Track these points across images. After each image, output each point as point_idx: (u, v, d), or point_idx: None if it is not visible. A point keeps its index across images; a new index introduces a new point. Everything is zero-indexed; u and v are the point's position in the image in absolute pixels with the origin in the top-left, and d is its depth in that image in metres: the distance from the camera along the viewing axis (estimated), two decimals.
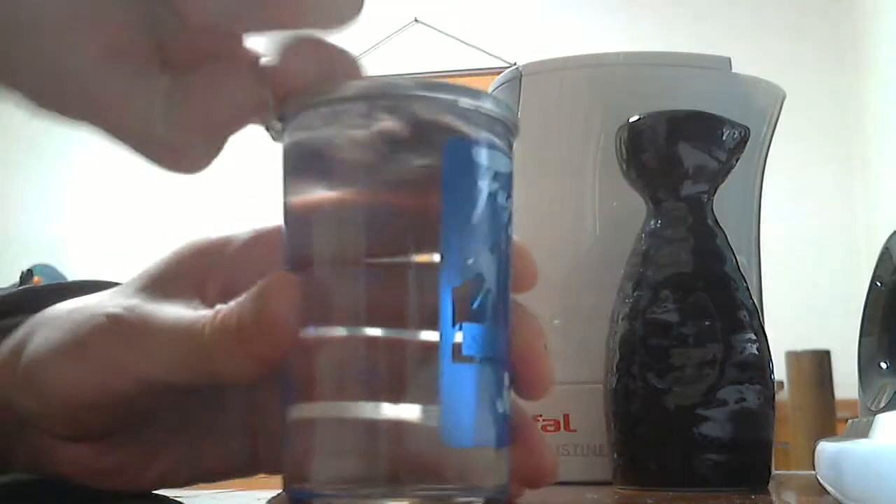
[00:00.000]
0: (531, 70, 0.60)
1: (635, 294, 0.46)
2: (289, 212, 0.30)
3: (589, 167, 0.57)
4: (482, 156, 0.28)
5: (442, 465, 0.27)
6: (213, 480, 0.36)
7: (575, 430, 0.54)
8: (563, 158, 0.59)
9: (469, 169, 0.28)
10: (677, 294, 0.45)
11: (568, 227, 0.58)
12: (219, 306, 0.29)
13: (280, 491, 0.40)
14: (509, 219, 0.30)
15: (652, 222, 0.48)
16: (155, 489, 0.35)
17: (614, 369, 0.46)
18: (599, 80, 0.60)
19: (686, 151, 0.47)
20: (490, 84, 0.63)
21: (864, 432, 0.34)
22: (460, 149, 0.28)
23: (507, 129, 0.30)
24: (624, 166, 0.49)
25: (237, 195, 3.25)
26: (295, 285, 0.28)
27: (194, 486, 0.37)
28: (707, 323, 0.45)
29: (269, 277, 0.28)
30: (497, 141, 0.29)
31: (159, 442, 0.34)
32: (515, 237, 0.30)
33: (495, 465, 0.29)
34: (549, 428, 0.54)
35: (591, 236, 0.58)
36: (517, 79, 0.60)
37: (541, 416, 0.54)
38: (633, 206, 0.49)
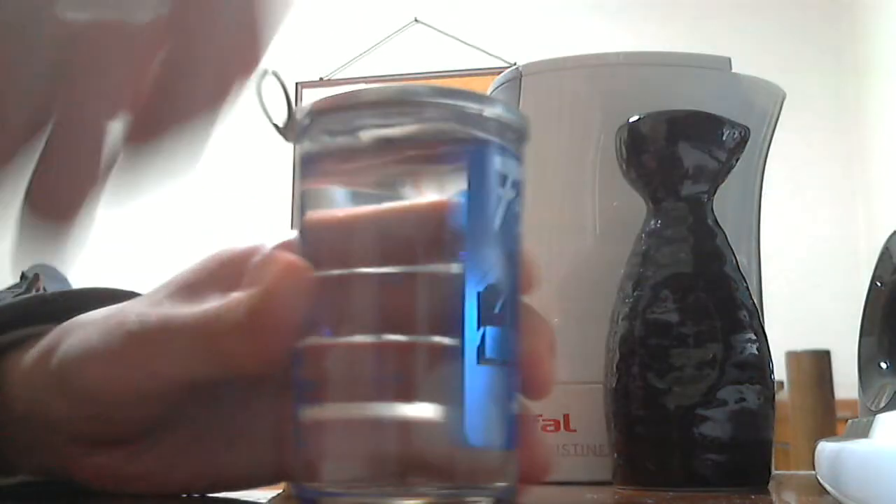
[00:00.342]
0: (531, 70, 0.60)
1: (635, 294, 0.46)
2: (303, 216, 0.30)
3: (589, 167, 0.57)
4: (502, 163, 0.29)
5: (452, 464, 0.28)
6: (238, 488, 0.36)
7: (575, 430, 0.54)
8: (563, 158, 0.59)
9: (492, 176, 0.28)
10: (677, 294, 0.45)
11: (568, 228, 0.58)
12: (233, 294, 0.30)
13: (280, 491, 0.40)
14: (518, 222, 0.30)
15: (652, 222, 0.48)
16: (179, 494, 0.35)
17: (614, 369, 0.46)
18: (599, 80, 0.60)
19: (686, 151, 0.47)
20: (490, 84, 0.63)
21: (864, 432, 0.34)
22: (484, 156, 0.28)
23: (518, 136, 0.30)
24: (624, 166, 0.49)
25: (237, 197, 3.25)
26: (302, 271, 0.28)
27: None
28: (707, 323, 0.45)
29: (278, 263, 0.29)
30: (511, 148, 0.29)
31: (185, 448, 0.34)
32: None
33: (506, 466, 0.29)
34: (548, 428, 0.54)
35: (591, 236, 0.58)
36: (517, 79, 0.60)
37: (541, 415, 0.54)
38: (633, 206, 0.49)
